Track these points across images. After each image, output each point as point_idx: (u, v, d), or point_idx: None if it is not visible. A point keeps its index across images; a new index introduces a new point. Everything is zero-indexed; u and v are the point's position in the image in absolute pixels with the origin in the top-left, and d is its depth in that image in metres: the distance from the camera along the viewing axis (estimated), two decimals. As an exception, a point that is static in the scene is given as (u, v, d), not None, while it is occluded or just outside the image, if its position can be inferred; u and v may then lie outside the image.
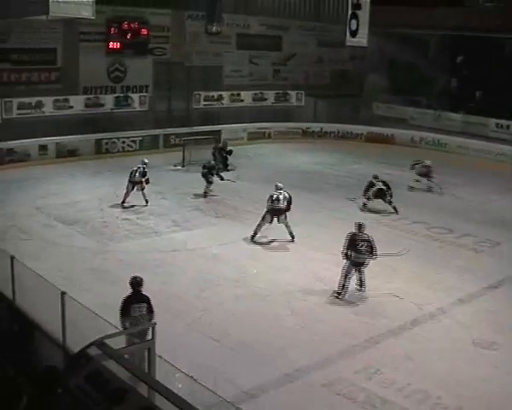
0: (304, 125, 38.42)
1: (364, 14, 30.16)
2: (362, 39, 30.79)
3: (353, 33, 30.83)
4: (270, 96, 39.82)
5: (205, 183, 25.05)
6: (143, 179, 23.44)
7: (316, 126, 38.40)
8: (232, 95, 38.19)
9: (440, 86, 39.95)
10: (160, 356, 9.26)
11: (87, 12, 23.93)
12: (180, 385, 8.85)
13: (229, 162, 29.75)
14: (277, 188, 20.37)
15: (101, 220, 21.43)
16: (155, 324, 9.65)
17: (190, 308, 14.89)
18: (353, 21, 30.67)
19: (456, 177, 29.25)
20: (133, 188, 23.42)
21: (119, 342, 8.90)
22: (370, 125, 38.37)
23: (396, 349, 13.30)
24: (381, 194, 23.66)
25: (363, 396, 11.49)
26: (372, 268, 17.60)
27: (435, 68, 39.40)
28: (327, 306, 15.40)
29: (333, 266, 17.73)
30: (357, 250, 15.79)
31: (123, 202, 23.35)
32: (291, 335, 13.84)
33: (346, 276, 15.84)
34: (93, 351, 8.37)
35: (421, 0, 36.92)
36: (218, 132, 34.07)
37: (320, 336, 13.76)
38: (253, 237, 20.08)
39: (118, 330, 9.55)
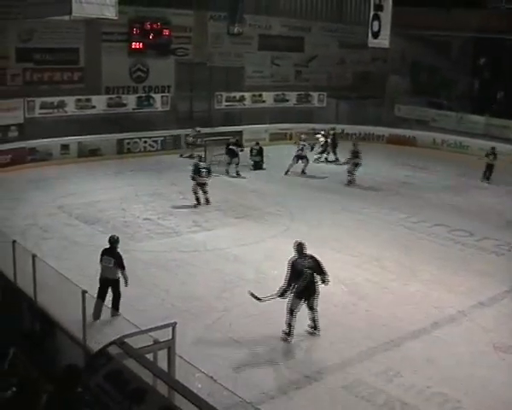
0: (325, 126, 38.34)
1: (386, 16, 30.12)
2: (384, 41, 30.76)
3: (375, 35, 30.82)
4: (292, 97, 39.90)
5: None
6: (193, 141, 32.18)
7: (337, 128, 38.26)
8: (254, 96, 38.28)
9: (462, 88, 39.74)
10: (180, 356, 9.29)
11: (109, 12, 24.12)
12: (200, 385, 8.87)
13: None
14: (301, 139, 30.10)
15: (122, 220, 21.52)
16: (175, 323, 9.66)
17: (210, 309, 14.90)
18: (375, 23, 30.66)
19: (478, 179, 29.12)
20: (188, 147, 32.19)
21: (139, 342, 8.93)
22: (392, 126, 38.27)
23: (416, 352, 13.25)
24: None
25: (382, 399, 11.45)
26: (392, 270, 17.64)
27: (457, 70, 39.21)
28: (347, 308, 15.36)
29: (353, 267, 17.78)
30: (200, 176, 23.41)
31: (181, 155, 32.30)
32: (311, 337, 13.83)
33: (195, 192, 23.48)
34: (113, 350, 8.41)
35: (443, 2, 36.70)
36: (240, 133, 34.12)
37: (340, 338, 13.73)
38: (286, 172, 29.23)
39: (138, 330, 9.58)
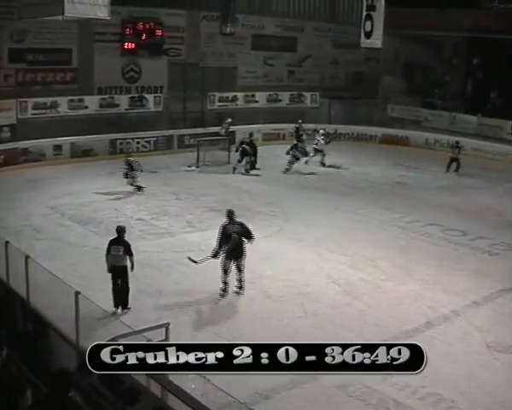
0: (318, 126, 38.31)
1: (379, 16, 30.19)
2: (376, 41, 30.84)
3: (368, 35, 30.90)
4: (285, 97, 39.83)
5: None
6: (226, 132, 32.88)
7: (330, 128, 38.25)
8: (247, 96, 38.22)
9: (455, 88, 39.77)
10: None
11: (102, 12, 24.13)
12: (193, 386, 8.83)
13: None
14: (319, 133, 31.89)
15: (115, 220, 21.33)
16: (169, 324, 9.63)
17: (204, 309, 14.90)
18: (368, 23, 30.75)
19: (471, 179, 29.17)
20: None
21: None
22: (385, 126, 38.28)
23: (410, 352, 13.21)
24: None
25: (376, 399, 11.42)
26: (385, 270, 17.61)
27: (450, 70, 39.25)
28: (341, 308, 15.34)
29: (347, 267, 17.76)
30: (133, 169, 25.05)
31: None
32: (304, 336, 13.78)
33: (131, 184, 24.92)
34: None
35: (437, 2, 36.70)
36: (233, 133, 34.09)
37: (333, 337, 13.66)
38: (306, 162, 30.47)
39: (131, 330, 9.54)
